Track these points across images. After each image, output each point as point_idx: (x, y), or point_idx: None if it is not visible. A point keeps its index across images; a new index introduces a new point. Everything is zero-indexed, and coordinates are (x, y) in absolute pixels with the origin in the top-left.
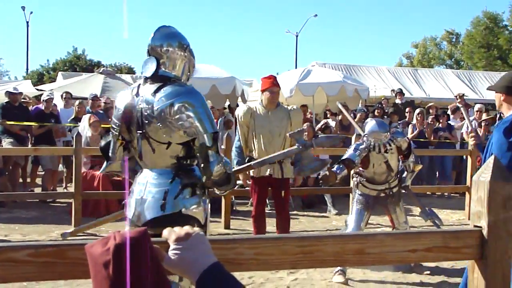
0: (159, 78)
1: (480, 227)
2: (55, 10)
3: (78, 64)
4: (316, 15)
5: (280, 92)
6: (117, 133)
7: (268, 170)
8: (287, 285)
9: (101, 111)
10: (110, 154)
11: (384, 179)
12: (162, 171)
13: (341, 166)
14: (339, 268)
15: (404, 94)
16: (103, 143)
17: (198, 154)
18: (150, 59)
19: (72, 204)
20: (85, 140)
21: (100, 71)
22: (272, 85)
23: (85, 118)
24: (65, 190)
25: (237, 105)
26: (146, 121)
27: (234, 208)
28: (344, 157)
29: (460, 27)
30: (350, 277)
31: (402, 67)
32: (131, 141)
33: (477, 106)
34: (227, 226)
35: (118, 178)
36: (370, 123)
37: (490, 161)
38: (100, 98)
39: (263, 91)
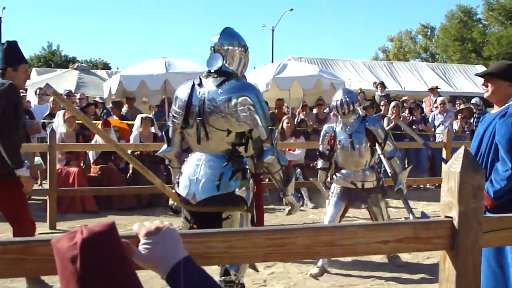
0: (221, 73)
1: (451, 217)
2: (29, 6)
3: (52, 60)
4: (292, 9)
5: (256, 86)
6: (179, 122)
7: None
8: (264, 278)
9: (77, 107)
10: (169, 141)
11: (354, 166)
12: (217, 155)
13: (322, 160)
14: (321, 263)
15: (385, 87)
16: (166, 128)
17: (253, 145)
18: (216, 55)
19: (47, 201)
20: (60, 136)
21: (75, 66)
22: None
23: (60, 114)
24: (40, 187)
25: None
26: (208, 110)
27: None
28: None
29: (434, 21)
30: (327, 270)
31: (378, 60)
32: (187, 128)
33: (439, 99)
34: None
35: (94, 175)
36: None
37: (461, 152)
38: (75, 94)
39: None
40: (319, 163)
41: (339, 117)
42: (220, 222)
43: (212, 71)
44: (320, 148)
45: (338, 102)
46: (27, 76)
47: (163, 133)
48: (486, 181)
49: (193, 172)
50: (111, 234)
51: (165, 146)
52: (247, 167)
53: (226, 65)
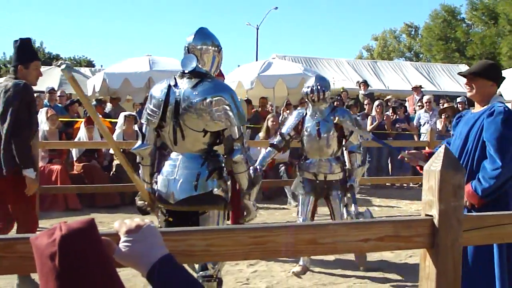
0: (196, 74)
1: (431, 216)
2: (11, 2)
3: None
4: (276, 7)
5: (241, 84)
6: (156, 120)
7: None
8: (247, 277)
9: (59, 105)
10: (144, 138)
11: (319, 155)
12: (193, 156)
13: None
14: (303, 262)
15: (368, 86)
16: (139, 125)
17: (224, 143)
18: (190, 56)
19: None
20: (43, 134)
21: (58, 64)
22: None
23: (42, 112)
24: None
25: None
26: (184, 111)
27: None
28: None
29: (419, 20)
30: (310, 268)
31: (362, 59)
32: (164, 128)
33: (426, 98)
34: None
35: (77, 172)
36: None
37: (441, 150)
38: (57, 91)
39: None
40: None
41: (309, 104)
42: (197, 218)
43: (186, 71)
44: (283, 130)
45: (309, 89)
46: (39, 73)
47: (137, 130)
48: (472, 180)
49: (171, 172)
50: (90, 231)
51: (139, 142)
52: (223, 165)
53: (200, 66)
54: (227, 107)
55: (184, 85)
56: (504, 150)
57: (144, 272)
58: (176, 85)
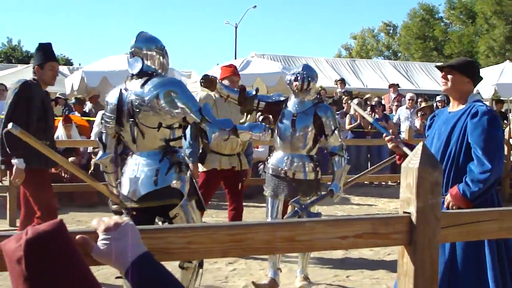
0: (144, 73)
1: (409, 213)
2: None
3: (13, 56)
4: (255, 6)
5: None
6: (112, 125)
7: (229, 162)
8: (226, 275)
9: None
10: (105, 148)
11: (290, 149)
12: (152, 153)
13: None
14: (272, 274)
15: (345, 84)
16: (99, 135)
17: (194, 132)
18: (135, 59)
19: (7, 197)
20: None
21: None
22: (232, 73)
23: None
24: (0, 184)
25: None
26: (137, 110)
27: None
28: None
29: (397, 19)
30: (294, 269)
31: (341, 58)
32: (122, 131)
33: (409, 95)
34: None
35: (55, 171)
36: None
37: (419, 148)
38: None
39: (222, 79)
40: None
41: (291, 94)
42: (167, 216)
43: (134, 73)
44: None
45: (294, 77)
46: (55, 73)
47: (97, 139)
48: (458, 183)
49: (132, 172)
50: (58, 232)
51: (101, 153)
52: (182, 160)
53: (148, 64)
54: (178, 97)
55: (134, 85)
56: (493, 152)
57: (123, 270)
58: (126, 88)
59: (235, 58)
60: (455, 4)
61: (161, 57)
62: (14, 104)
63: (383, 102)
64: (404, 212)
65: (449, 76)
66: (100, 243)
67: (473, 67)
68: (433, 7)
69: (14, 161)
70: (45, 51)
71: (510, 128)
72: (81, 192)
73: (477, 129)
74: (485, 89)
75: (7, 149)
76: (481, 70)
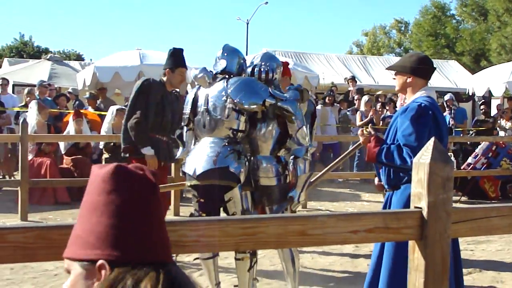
0: (225, 73)
1: (420, 208)
2: None
3: (25, 51)
4: (267, 2)
5: None
6: (187, 116)
7: None
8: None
9: (48, 98)
10: (184, 144)
11: (248, 151)
12: (217, 139)
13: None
14: None
15: (356, 81)
16: (178, 132)
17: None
18: (220, 61)
19: (19, 192)
20: (33, 127)
21: (48, 57)
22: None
23: (33, 105)
24: (12, 178)
25: (186, 92)
26: (213, 100)
27: (183, 195)
28: None
29: (409, 16)
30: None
31: (352, 54)
32: (196, 118)
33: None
34: (176, 213)
35: (66, 166)
36: None
37: (430, 143)
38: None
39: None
40: None
41: None
42: (222, 199)
43: (219, 71)
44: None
45: (250, 69)
46: (183, 79)
47: (176, 137)
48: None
49: (196, 152)
50: (150, 181)
51: (180, 149)
52: (242, 151)
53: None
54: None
55: (217, 84)
56: (414, 147)
57: None
58: (210, 83)
59: (247, 54)
60: (467, 1)
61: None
62: (135, 98)
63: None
64: (415, 207)
65: (402, 78)
66: None
67: (411, 62)
68: (444, 4)
69: (144, 150)
70: (177, 57)
71: None
72: None
73: (403, 124)
74: (496, 86)
75: (133, 139)
76: (492, 67)
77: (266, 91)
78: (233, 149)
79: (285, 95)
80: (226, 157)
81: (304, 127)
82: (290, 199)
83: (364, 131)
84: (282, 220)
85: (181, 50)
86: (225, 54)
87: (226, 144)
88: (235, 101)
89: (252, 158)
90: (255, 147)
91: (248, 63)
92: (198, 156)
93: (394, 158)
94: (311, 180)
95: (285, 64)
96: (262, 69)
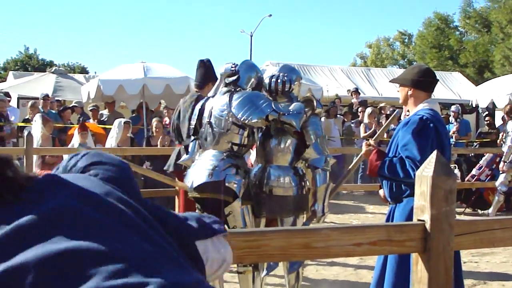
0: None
1: (423, 220)
2: (5, 9)
3: (29, 64)
4: (270, 15)
5: None
6: (193, 126)
7: None
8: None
9: (52, 111)
10: (189, 152)
11: (264, 160)
12: (217, 152)
13: None
14: None
15: (359, 93)
16: (186, 142)
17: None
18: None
19: None
20: (38, 140)
21: (52, 70)
22: None
23: (38, 118)
24: None
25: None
26: (215, 113)
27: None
28: None
29: (412, 28)
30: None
31: (356, 66)
32: (199, 130)
33: (453, 107)
34: None
35: None
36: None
37: (433, 156)
38: (50, 98)
39: None
40: None
41: (271, 98)
42: (222, 214)
43: (229, 81)
44: None
45: (269, 80)
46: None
47: (183, 147)
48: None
49: (197, 164)
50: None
51: (185, 155)
52: (241, 165)
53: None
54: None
55: (221, 97)
56: (416, 160)
57: None
58: (213, 96)
59: None
60: (470, 13)
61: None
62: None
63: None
64: (418, 220)
65: (404, 90)
66: None
67: (412, 74)
68: (448, 16)
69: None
70: (214, 70)
71: None
72: None
73: (404, 138)
74: (500, 98)
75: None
76: (496, 79)
77: (269, 105)
78: (231, 163)
79: (289, 108)
80: (222, 171)
81: (322, 136)
82: (313, 212)
83: (369, 143)
84: (286, 233)
85: (210, 62)
86: (241, 67)
87: (225, 157)
88: (237, 117)
89: (267, 167)
90: (270, 157)
91: (267, 76)
92: (198, 169)
93: (397, 171)
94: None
95: None
96: (279, 80)
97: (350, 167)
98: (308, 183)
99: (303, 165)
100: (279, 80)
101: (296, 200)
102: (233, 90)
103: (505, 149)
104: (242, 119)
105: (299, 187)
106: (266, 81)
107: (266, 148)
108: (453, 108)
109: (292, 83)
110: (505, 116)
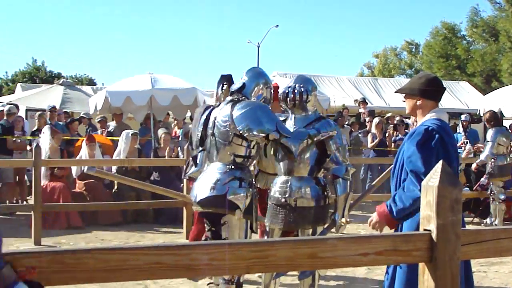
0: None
1: (430, 230)
2: (12, 21)
3: (37, 76)
4: (277, 25)
5: None
6: (198, 138)
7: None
8: None
9: (60, 123)
10: (197, 164)
11: (287, 172)
12: (221, 165)
13: None
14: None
15: (367, 103)
16: (194, 153)
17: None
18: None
19: (32, 216)
20: (46, 152)
21: (60, 82)
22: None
23: (46, 130)
24: (25, 203)
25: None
26: (218, 124)
27: None
28: None
29: (419, 37)
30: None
31: (363, 76)
32: (204, 142)
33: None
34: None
35: (79, 190)
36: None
37: (439, 166)
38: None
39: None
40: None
41: (289, 111)
42: (220, 226)
43: (233, 90)
44: None
45: (285, 91)
46: None
47: (191, 158)
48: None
49: (202, 178)
50: None
51: (193, 168)
52: (245, 178)
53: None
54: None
55: (225, 107)
56: (421, 172)
57: None
58: (218, 105)
59: None
60: (478, 22)
61: (260, 89)
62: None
63: (406, 121)
64: (425, 230)
65: (412, 101)
66: None
67: (419, 84)
68: (455, 25)
69: None
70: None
71: None
72: (104, 211)
73: (409, 149)
74: (508, 107)
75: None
76: (504, 88)
77: (273, 123)
78: (234, 175)
79: (292, 131)
80: (224, 184)
81: (344, 145)
82: (332, 222)
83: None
84: (292, 243)
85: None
86: (248, 75)
87: (228, 170)
88: (238, 128)
89: (289, 180)
90: (291, 168)
91: (282, 88)
92: (202, 182)
93: (403, 200)
94: (351, 202)
95: (275, 88)
96: (296, 91)
97: (374, 182)
98: (330, 194)
99: (323, 174)
100: (296, 91)
101: (317, 211)
102: (236, 99)
103: (482, 156)
104: (241, 132)
105: (321, 198)
106: (282, 91)
107: (287, 160)
108: (463, 117)
109: (308, 94)
110: (486, 123)
